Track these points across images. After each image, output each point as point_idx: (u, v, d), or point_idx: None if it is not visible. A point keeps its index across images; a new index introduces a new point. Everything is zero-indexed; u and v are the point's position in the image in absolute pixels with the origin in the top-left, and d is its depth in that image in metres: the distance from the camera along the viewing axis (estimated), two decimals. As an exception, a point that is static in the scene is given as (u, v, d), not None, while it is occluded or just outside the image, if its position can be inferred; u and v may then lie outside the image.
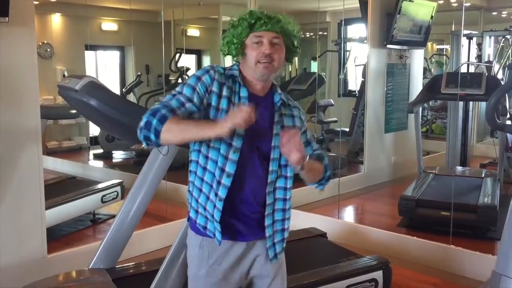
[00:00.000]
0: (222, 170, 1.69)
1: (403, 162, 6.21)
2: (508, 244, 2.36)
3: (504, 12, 7.53)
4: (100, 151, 7.10)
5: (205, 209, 1.75)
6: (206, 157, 1.72)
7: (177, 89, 1.72)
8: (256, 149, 1.74)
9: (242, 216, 1.76)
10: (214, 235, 1.74)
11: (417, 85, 6.48)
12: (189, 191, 1.81)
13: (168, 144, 1.58)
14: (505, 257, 2.35)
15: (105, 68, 7.91)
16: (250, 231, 1.78)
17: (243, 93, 1.72)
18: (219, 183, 1.70)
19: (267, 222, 1.78)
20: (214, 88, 1.70)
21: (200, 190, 1.75)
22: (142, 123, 1.66)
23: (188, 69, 7.21)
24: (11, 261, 3.19)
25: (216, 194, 1.70)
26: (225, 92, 1.70)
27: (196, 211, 1.78)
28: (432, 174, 5.23)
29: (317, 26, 6.22)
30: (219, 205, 1.70)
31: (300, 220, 4.07)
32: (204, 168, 1.73)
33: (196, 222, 1.79)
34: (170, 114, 1.64)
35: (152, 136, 1.64)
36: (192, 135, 1.65)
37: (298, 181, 1.85)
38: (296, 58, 1.83)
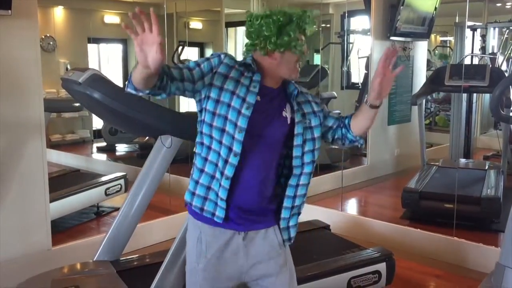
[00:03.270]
0: (230, 149, 1.67)
1: (406, 154, 6.20)
2: (512, 236, 2.36)
3: (508, 4, 7.48)
4: (104, 144, 7.10)
5: (208, 188, 1.73)
6: (211, 137, 1.71)
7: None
8: (269, 134, 1.74)
9: (245, 204, 1.76)
10: (213, 214, 1.72)
11: (420, 77, 6.45)
12: (191, 174, 1.82)
13: (139, 86, 1.50)
14: (509, 249, 2.35)
15: (108, 61, 7.90)
16: (251, 222, 1.78)
17: (256, 77, 1.72)
18: (226, 161, 1.68)
19: (286, 203, 1.80)
20: (221, 69, 1.68)
21: (202, 171, 1.74)
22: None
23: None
24: (16, 253, 3.21)
25: (222, 173, 1.69)
26: (233, 74, 1.69)
27: (193, 193, 1.76)
28: (435, 166, 5.23)
29: (320, 18, 6.19)
30: (226, 183, 1.69)
31: (303, 213, 4.04)
32: (209, 148, 1.72)
33: (192, 204, 1.77)
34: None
35: (129, 80, 1.55)
36: (138, 70, 1.49)
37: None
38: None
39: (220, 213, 1.72)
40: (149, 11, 1.45)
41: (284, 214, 1.82)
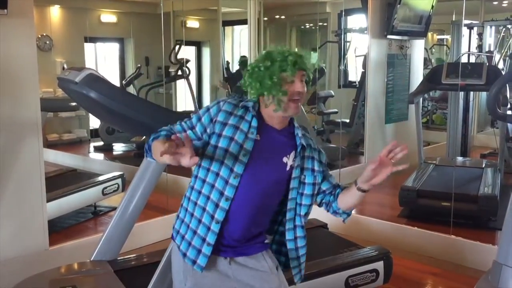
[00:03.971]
0: (221, 194, 1.70)
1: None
2: (509, 234, 2.36)
3: (505, 2, 7.50)
4: (101, 143, 7.10)
5: (195, 233, 1.74)
6: (203, 181, 1.74)
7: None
8: (265, 179, 1.74)
9: (233, 241, 1.77)
10: (194, 262, 1.73)
11: (417, 75, 6.46)
12: (177, 215, 1.84)
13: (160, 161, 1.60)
14: (506, 247, 2.35)
15: (104, 60, 7.89)
16: (238, 251, 1.78)
17: (254, 123, 1.73)
18: (216, 205, 1.71)
19: (290, 246, 1.83)
20: (220, 118, 1.72)
21: (192, 214, 1.76)
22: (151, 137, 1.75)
23: (188, 60, 7.18)
24: (13, 254, 3.20)
25: (212, 217, 1.71)
26: (231, 121, 1.72)
27: (182, 237, 1.79)
28: (432, 165, 5.23)
29: (317, 16, 6.20)
30: (215, 227, 1.71)
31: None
32: (199, 192, 1.75)
33: (178, 246, 1.79)
34: (165, 135, 1.71)
35: (147, 151, 1.75)
36: (156, 155, 1.62)
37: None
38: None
39: (201, 262, 1.73)
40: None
41: (290, 254, 1.85)
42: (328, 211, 1.89)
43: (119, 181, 4.84)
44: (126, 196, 2.84)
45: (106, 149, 7.11)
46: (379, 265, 3.04)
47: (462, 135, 6.00)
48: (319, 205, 1.91)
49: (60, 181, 4.65)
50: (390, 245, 3.44)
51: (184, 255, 1.76)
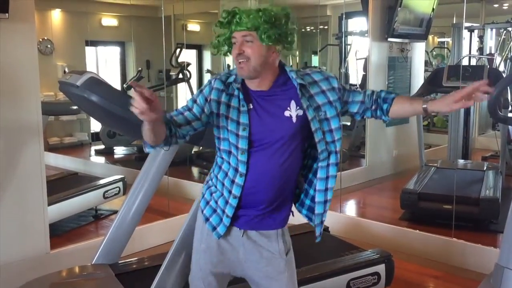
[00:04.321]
0: (236, 170, 1.75)
1: (404, 155, 6.20)
2: (511, 236, 2.36)
3: (505, 4, 7.50)
4: (102, 147, 7.10)
5: (216, 202, 1.81)
6: (221, 157, 1.81)
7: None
8: (275, 141, 1.74)
9: (255, 211, 1.79)
10: (215, 228, 1.81)
11: (418, 78, 6.46)
12: (206, 181, 1.91)
13: (153, 142, 1.65)
14: (508, 250, 2.34)
15: (105, 63, 7.91)
16: (254, 223, 1.80)
17: (241, 95, 1.75)
18: (232, 182, 1.76)
19: (319, 198, 1.82)
20: (213, 96, 1.75)
21: (216, 186, 1.84)
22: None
23: (189, 64, 7.20)
24: (14, 257, 3.20)
25: (230, 192, 1.76)
26: (223, 98, 1.75)
27: (207, 202, 1.86)
28: (434, 168, 5.23)
29: (318, 20, 6.20)
30: (233, 202, 1.76)
31: (302, 215, 4.06)
32: (220, 167, 1.82)
33: (203, 211, 1.86)
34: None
35: (145, 142, 1.72)
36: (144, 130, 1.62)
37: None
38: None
39: (221, 230, 1.80)
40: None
41: (318, 209, 1.84)
42: (369, 117, 1.88)
43: (120, 184, 4.84)
44: (127, 199, 2.83)
45: (107, 153, 7.12)
46: (381, 268, 3.03)
47: (463, 138, 6.00)
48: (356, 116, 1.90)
49: (61, 185, 4.65)
50: (392, 248, 3.44)
51: (207, 219, 1.83)
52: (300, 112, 1.75)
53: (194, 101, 1.77)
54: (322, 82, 1.80)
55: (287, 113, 1.75)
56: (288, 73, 1.78)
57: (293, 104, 1.76)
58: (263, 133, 1.73)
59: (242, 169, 1.73)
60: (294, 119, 1.75)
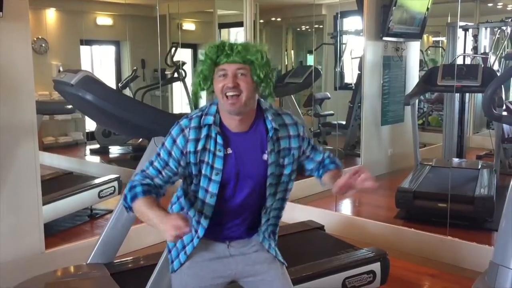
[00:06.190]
0: (200, 213, 1.76)
1: (399, 154, 6.22)
2: (505, 234, 2.37)
3: (499, 4, 7.53)
4: (97, 146, 7.08)
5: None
6: (189, 200, 1.81)
7: (158, 149, 1.74)
8: (248, 187, 1.74)
9: (225, 231, 1.82)
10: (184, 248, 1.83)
11: (413, 77, 6.47)
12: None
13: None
14: (503, 248, 2.36)
15: (100, 63, 7.87)
16: (232, 237, 1.84)
17: (219, 139, 1.69)
18: (198, 222, 1.77)
19: (261, 234, 1.84)
20: (189, 148, 1.69)
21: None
22: (125, 191, 1.70)
23: (184, 63, 7.18)
24: (9, 257, 3.19)
25: (195, 231, 1.77)
26: (200, 146, 1.69)
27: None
28: (428, 166, 5.24)
29: (313, 19, 6.21)
30: (196, 242, 1.78)
31: (297, 213, 4.07)
32: (189, 203, 1.81)
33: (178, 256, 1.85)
34: (142, 191, 1.65)
35: (129, 210, 1.70)
36: (147, 222, 1.63)
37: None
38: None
39: (188, 251, 1.82)
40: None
41: (260, 237, 1.86)
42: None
43: (115, 184, 4.83)
44: (122, 198, 2.82)
45: (102, 152, 7.09)
46: (376, 267, 3.04)
47: (458, 137, 6.02)
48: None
49: (56, 184, 4.63)
50: (387, 246, 3.44)
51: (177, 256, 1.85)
52: (267, 156, 1.74)
53: (168, 154, 1.70)
54: (290, 126, 1.80)
55: (265, 157, 1.74)
56: (264, 112, 1.75)
57: (270, 147, 1.74)
58: (236, 176, 1.72)
59: (208, 211, 1.74)
60: (269, 161, 1.74)
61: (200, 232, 1.76)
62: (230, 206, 1.76)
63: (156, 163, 1.72)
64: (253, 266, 1.84)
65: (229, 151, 1.70)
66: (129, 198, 1.65)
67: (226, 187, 1.72)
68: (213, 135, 1.69)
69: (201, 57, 1.69)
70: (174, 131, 1.72)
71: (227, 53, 1.63)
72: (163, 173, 1.71)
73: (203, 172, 1.70)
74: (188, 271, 1.82)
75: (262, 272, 1.85)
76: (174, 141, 1.70)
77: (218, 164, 1.69)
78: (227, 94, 1.64)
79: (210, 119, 1.70)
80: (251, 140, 1.73)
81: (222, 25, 7.57)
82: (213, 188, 1.70)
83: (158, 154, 1.73)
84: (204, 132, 1.70)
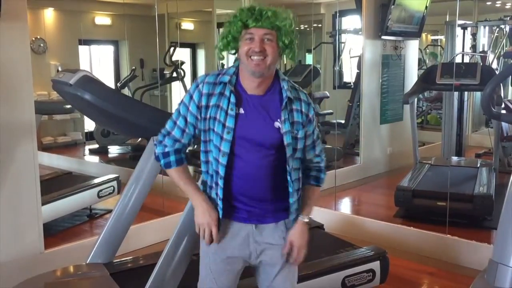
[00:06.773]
0: (216, 173, 1.78)
1: (399, 153, 6.22)
2: (505, 232, 2.37)
3: (498, 2, 7.54)
4: (96, 146, 7.07)
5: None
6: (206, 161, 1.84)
7: (178, 105, 1.83)
8: (259, 150, 1.75)
9: (249, 202, 1.81)
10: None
11: (412, 76, 6.48)
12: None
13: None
14: (502, 246, 2.35)
15: (99, 62, 7.87)
16: (258, 216, 1.83)
17: (232, 98, 1.73)
18: (216, 184, 1.80)
19: (292, 199, 1.83)
20: (203, 102, 1.76)
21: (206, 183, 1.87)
22: (155, 150, 1.86)
23: (183, 62, 7.18)
24: (8, 257, 3.19)
25: (216, 194, 1.80)
26: (213, 101, 1.75)
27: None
28: (428, 165, 5.25)
29: (312, 18, 6.20)
30: (220, 203, 1.79)
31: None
32: (206, 162, 1.84)
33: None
34: (175, 160, 1.83)
35: (159, 159, 1.86)
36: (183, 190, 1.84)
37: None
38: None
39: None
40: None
41: (292, 207, 1.86)
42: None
43: (114, 183, 4.83)
44: (121, 198, 2.83)
45: (101, 152, 7.08)
46: (376, 265, 3.04)
47: (457, 135, 6.03)
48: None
49: (55, 184, 4.63)
50: (386, 245, 3.45)
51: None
52: (279, 124, 1.76)
53: (187, 109, 1.79)
54: (304, 103, 1.83)
55: (276, 125, 1.76)
56: (280, 81, 1.80)
57: (283, 115, 1.77)
58: (248, 139, 1.74)
59: (221, 171, 1.75)
60: (281, 131, 1.76)
61: (220, 193, 1.77)
62: (244, 168, 1.76)
63: (178, 122, 1.81)
64: (276, 251, 1.86)
65: (241, 111, 1.74)
66: (163, 164, 1.83)
67: (237, 147, 1.74)
68: (227, 93, 1.74)
69: (228, 19, 1.74)
70: (191, 88, 1.80)
71: (257, 17, 1.69)
72: (186, 130, 1.80)
73: (215, 130, 1.73)
74: (214, 257, 1.86)
75: (277, 264, 1.88)
76: (191, 97, 1.78)
77: (230, 123, 1.72)
78: (252, 57, 1.69)
79: (226, 78, 1.76)
80: (265, 105, 1.77)
81: (221, 24, 7.56)
82: (225, 147, 1.72)
83: (178, 112, 1.81)
84: (218, 89, 1.75)
